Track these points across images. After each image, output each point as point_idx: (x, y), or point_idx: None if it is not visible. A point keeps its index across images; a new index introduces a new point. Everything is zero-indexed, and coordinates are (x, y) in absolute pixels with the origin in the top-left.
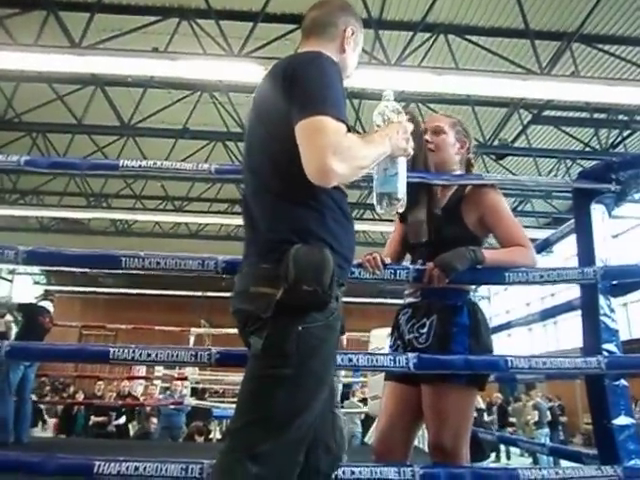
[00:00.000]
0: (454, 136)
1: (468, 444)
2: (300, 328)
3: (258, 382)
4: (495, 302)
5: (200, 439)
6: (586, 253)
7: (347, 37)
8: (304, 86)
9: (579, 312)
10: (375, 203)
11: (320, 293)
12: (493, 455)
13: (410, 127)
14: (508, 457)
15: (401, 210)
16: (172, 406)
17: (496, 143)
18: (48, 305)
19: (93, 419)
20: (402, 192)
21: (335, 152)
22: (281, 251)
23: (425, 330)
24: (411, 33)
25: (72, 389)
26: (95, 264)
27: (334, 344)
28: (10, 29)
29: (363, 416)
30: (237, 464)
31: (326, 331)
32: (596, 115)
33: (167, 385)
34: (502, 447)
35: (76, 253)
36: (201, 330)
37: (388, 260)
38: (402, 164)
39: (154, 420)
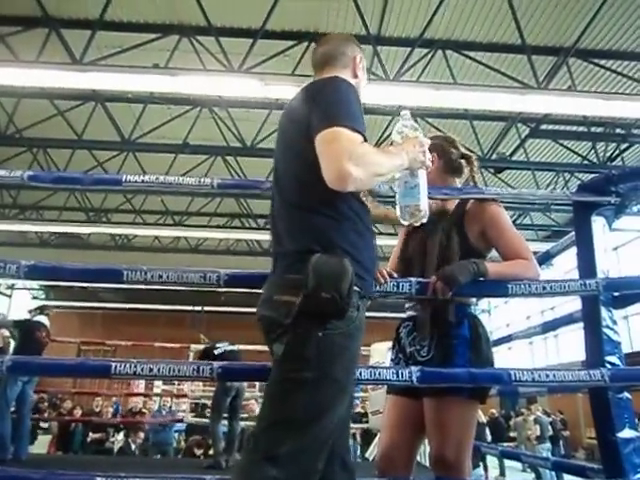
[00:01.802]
0: None
1: (470, 457)
2: (320, 334)
3: (279, 386)
4: (495, 315)
5: (199, 451)
6: (587, 265)
7: (357, 64)
8: (322, 103)
9: (580, 325)
10: (399, 215)
11: (338, 300)
12: (497, 471)
13: (427, 142)
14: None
15: (424, 220)
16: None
17: (494, 157)
18: (44, 320)
19: (91, 436)
20: (424, 203)
21: (350, 157)
22: (304, 261)
23: (426, 343)
24: (409, 49)
25: (70, 404)
26: (97, 278)
27: (355, 353)
28: (12, 46)
29: (358, 431)
30: (256, 466)
31: (347, 339)
32: (593, 129)
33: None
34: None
35: (78, 267)
36: (201, 346)
37: (395, 275)
38: (422, 177)
39: (141, 434)
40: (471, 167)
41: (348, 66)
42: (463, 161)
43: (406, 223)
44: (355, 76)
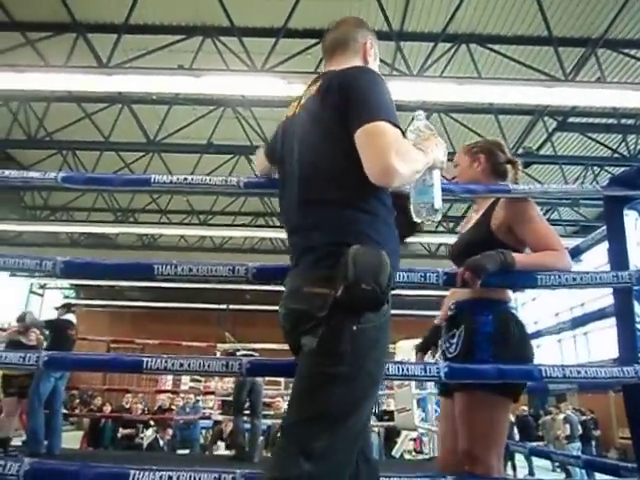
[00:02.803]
0: (469, 160)
1: (501, 455)
2: (354, 328)
3: (312, 380)
4: (523, 312)
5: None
6: (619, 259)
7: (368, 50)
8: (360, 97)
9: (611, 322)
10: (413, 213)
11: (378, 293)
12: (526, 471)
13: (443, 143)
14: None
15: (438, 219)
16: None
17: (520, 151)
18: (72, 318)
19: (121, 431)
20: (439, 201)
21: (397, 153)
22: (338, 253)
23: (455, 340)
24: (432, 44)
25: (100, 401)
26: (128, 273)
27: (386, 346)
28: (42, 51)
29: (378, 429)
30: (292, 459)
31: (379, 332)
32: (624, 121)
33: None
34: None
35: (110, 262)
36: (227, 345)
37: None
38: (437, 175)
39: (169, 431)
40: (516, 171)
41: (358, 53)
42: (509, 166)
43: (419, 220)
44: (365, 62)
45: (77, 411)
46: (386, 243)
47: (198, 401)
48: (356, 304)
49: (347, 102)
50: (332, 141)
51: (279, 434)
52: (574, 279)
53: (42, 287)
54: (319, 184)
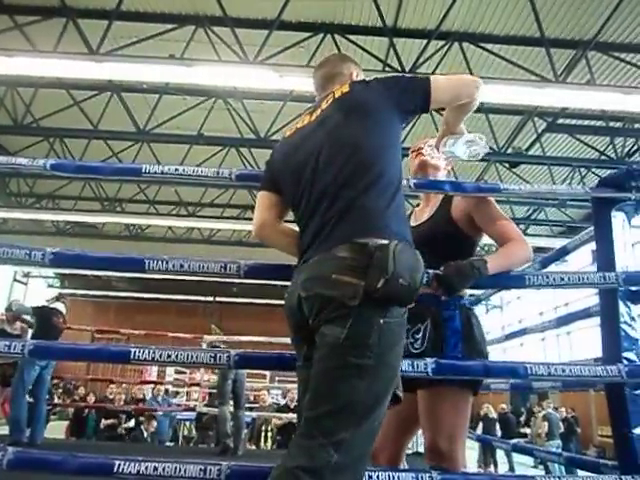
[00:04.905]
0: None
1: (464, 448)
2: (382, 321)
3: (340, 371)
4: (508, 311)
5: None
6: (606, 261)
7: (355, 79)
8: (398, 78)
9: (594, 322)
10: (463, 153)
11: (412, 290)
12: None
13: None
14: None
15: (485, 151)
16: (160, 412)
17: (510, 151)
18: (60, 307)
19: (104, 422)
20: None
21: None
22: (371, 246)
23: (420, 335)
24: (425, 41)
25: (82, 391)
26: (119, 267)
27: (404, 342)
28: (30, 36)
29: None
30: (320, 450)
31: (400, 328)
32: (612, 123)
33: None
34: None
35: (100, 255)
36: (213, 337)
37: None
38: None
39: (154, 423)
40: None
41: (347, 83)
42: None
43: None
44: None
45: (59, 401)
46: (411, 242)
47: (168, 391)
48: (390, 298)
49: (390, 94)
50: (374, 131)
51: (300, 423)
52: (562, 279)
53: (26, 275)
54: (356, 175)
